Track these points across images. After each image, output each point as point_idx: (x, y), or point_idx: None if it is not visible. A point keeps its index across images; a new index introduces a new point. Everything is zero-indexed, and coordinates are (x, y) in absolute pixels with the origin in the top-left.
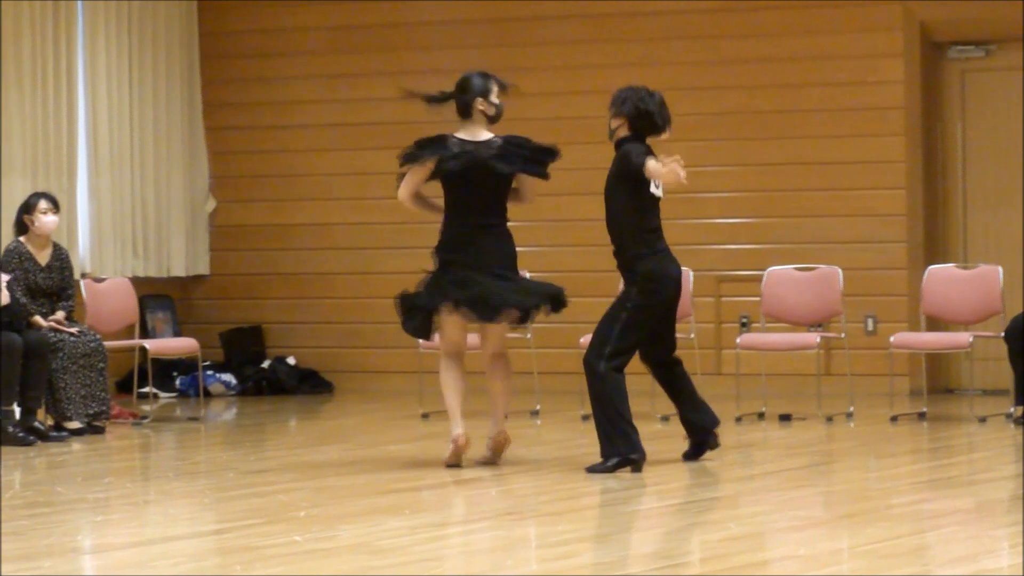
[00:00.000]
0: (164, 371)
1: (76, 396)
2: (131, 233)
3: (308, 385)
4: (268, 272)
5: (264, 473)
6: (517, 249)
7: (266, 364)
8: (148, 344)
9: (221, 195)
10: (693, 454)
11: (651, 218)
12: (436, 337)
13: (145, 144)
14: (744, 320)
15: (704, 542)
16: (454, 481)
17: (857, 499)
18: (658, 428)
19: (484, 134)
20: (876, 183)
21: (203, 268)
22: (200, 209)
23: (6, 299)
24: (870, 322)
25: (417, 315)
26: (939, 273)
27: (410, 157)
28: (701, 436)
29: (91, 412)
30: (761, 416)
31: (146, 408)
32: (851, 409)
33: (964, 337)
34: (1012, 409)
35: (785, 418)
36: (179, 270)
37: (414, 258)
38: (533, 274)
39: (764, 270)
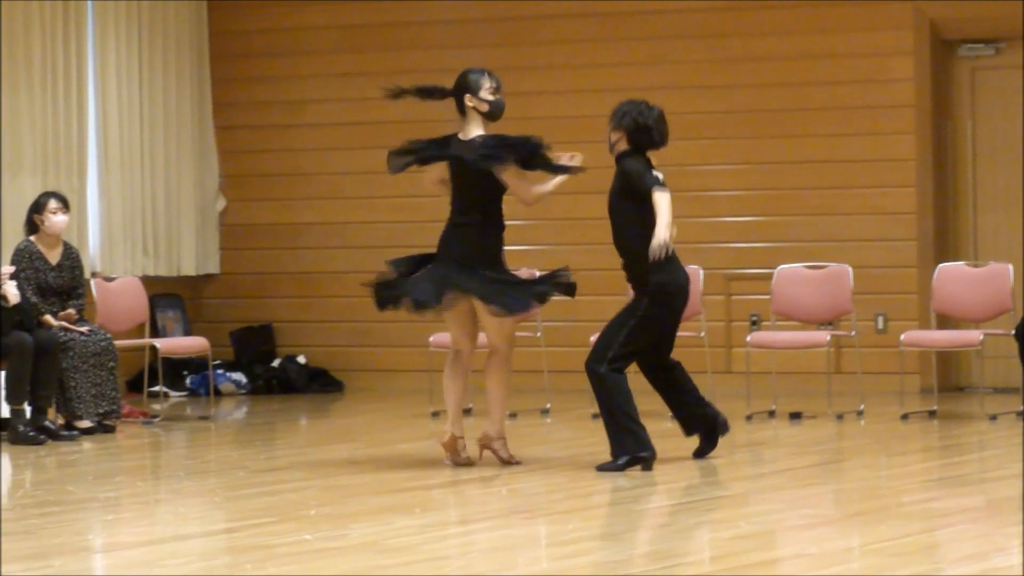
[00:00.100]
0: (174, 370)
1: (87, 395)
2: (141, 232)
3: (318, 384)
4: (278, 271)
5: (274, 472)
6: (526, 248)
7: (276, 363)
8: (158, 343)
9: (231, 194)
10: (706, 445)
11: None
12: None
13: (155, 143)
14: (754, 318)
15: (714, 540)
16: (464, 480)
17: (867, 497)
18: (668, 427)
19: (474, 132)
20: (886, 181)
21: (213, 267)
22: (210, 208)
23: (16, 298)
24: (880, 320)
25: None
26: (949, 271)
27: (397, 161)
28: (711, 424)
29: (101, 411)
30: (771, 414)
31: (156, 407)
32: (861, 407)
33: (974, 335)
34: (1023, 407)
35: (795, 416)
36: (189, 269)
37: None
38: (543, 273)
39: (774, 268)
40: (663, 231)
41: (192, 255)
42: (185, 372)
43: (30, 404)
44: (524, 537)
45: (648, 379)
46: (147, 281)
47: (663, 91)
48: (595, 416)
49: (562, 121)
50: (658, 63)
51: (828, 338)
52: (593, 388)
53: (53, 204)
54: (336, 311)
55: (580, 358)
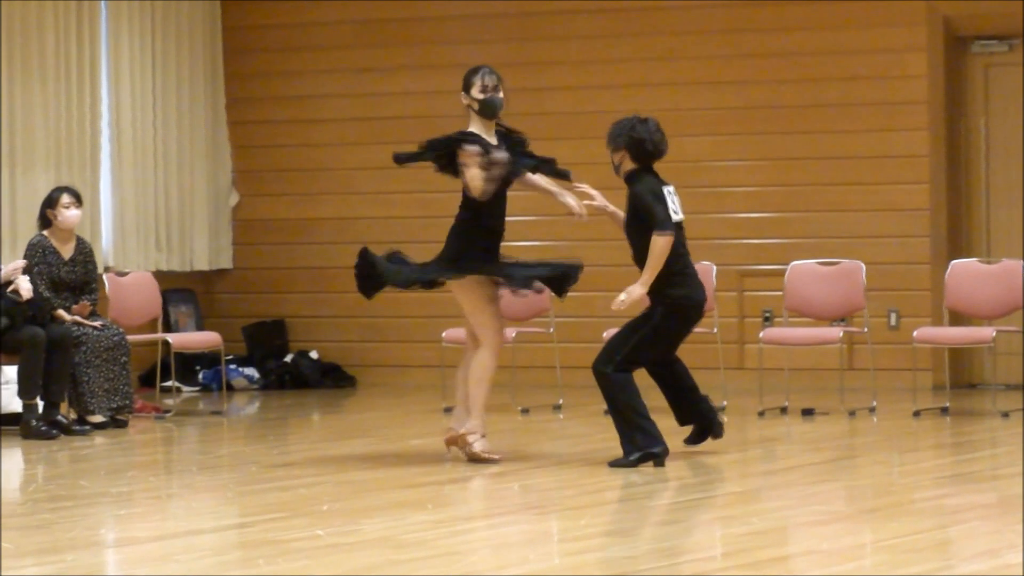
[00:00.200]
0: (187, 365)
1: (99, 390)
2: (154, 227)
3: (331, 379)
4: (291, 266)
5: (287, 467)
6: (541, 244)
7: (289, 358)
8: (171, 338)
9: (244, 189)
10: (697, 437)
11: (676, 243)
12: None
13: (168, 138)
14: (767, 314)
15: (726, 536)
16: (477, 475)
17: (880, 494)
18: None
19: (471, 128)
20: (899, 178)
21: (226, 262)
22: (223, 203)
23: (29, 293)
24: (893, 317)
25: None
26: (962, 268)
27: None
28: (706, 420)
29: (114, 406)
30: (784, 411)
31: (169, 402)
32: (874, 404)
33: (987, 332)
34: None
35: (808, 412)
36: (202, 264)
37: (438, 252)
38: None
39: (787, 264)
40: (639, 289)
41: (205, 250)
42: (198, 367)
43: (43, 399)
44: (536, 533)
45: (649, 372)
46: (160, 276)
47: (676, 87)
48: (607, 412)
49: (576, 116)
50: (672, 59)
51: (841, 334)
52: (601, 388)
53: (66, 199)
54: (349, 306)
55: (593, 354)
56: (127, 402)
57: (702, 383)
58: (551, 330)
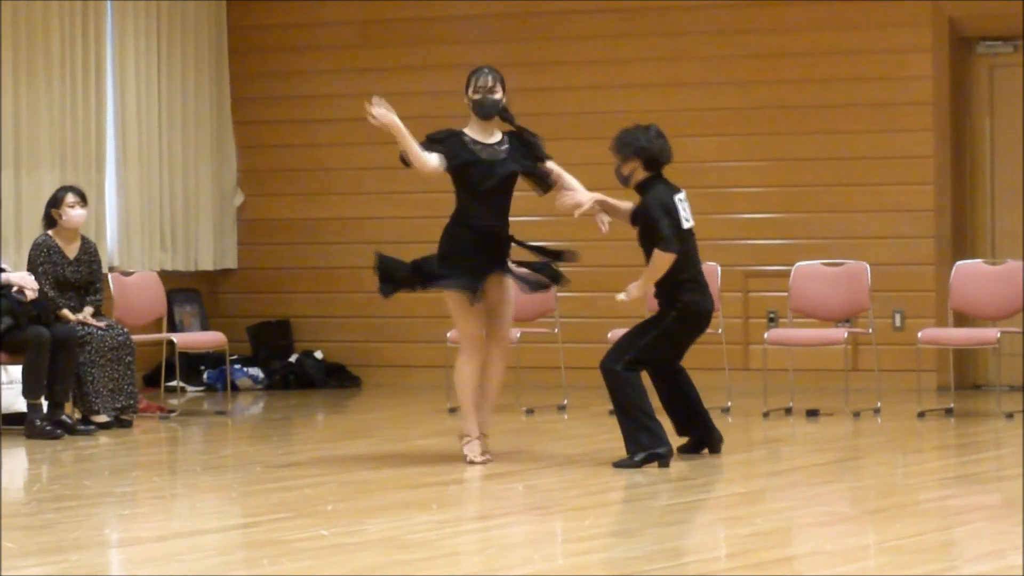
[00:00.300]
0: (192, 365)
1: (104, 390)
2: (159, 227)
3: (335, 379)
4: (296, 266)
5: (291, 467)
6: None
7: (293, 358)
8: (176, 338)
9: (249, 189)
10: (692, 447)
11: (687, 249)
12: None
13: (173, 138)
14: (772, 315)
15: (730, 537)
16: (481, 476)
17: (884, 495)
18: None
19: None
20: (904, 178)
21: (231, 262)
22: (228, 203)
23: (33, 293)
24: (898, 318)
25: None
26: (967, 269)
27: None
28: (705, 432)
29: (118, 406)
30: (788, 411)
31: (173, 402)
32: (878, 405)
33: (992, 333)
34: None
35: (812, 413)
36: (207, 264)
37: None
38: (562, 268)
39: (792, 265)
40: (636, 291)
41: (210, 250)
42: (202, 367)
43: (47, 398)
44: (540, 533)
45: (651, 376)
46: (165, 276)
47: (682, 87)
48: (612, 412)
49: (578, 117)
50: (677, 59)
51: (845, 335)
52: (608, 386)
53: (71, 198)
54: (354, 306)
55: (598, 354)
56: (131, 402)
57: (706, 384)
58: (556, 331)
